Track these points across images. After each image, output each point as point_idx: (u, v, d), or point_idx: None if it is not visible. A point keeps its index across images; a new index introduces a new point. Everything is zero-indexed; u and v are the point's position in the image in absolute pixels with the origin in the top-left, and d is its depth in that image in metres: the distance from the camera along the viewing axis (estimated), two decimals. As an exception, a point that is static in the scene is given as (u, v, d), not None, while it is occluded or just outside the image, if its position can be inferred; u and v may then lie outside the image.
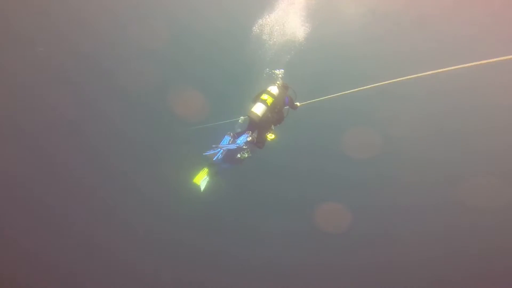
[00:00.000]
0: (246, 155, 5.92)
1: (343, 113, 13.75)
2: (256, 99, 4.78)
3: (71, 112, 13.10)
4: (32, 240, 10.10)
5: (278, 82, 4.93)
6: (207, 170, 6.03)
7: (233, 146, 4.78)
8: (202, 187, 5.93)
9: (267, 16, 9.14)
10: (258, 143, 4.91)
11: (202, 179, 5.88)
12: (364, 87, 4.37)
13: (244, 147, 4.89)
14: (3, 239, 10.22)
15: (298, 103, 5.31)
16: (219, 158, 4.91)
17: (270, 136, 4.87)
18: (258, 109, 4.59)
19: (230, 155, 6.17)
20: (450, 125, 15.83)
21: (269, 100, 4.60)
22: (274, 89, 4.76)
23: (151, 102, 14.28)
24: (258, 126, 4.77)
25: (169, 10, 13.07)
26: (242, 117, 6.38)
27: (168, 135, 12.92)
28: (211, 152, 5.00)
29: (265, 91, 4.73)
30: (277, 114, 4.77)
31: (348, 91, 4.64)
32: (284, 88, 4.93)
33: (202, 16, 13.21)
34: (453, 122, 15.71)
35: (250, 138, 4.75)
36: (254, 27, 9.38)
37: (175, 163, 10.58)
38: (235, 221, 12.90)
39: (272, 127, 4.92)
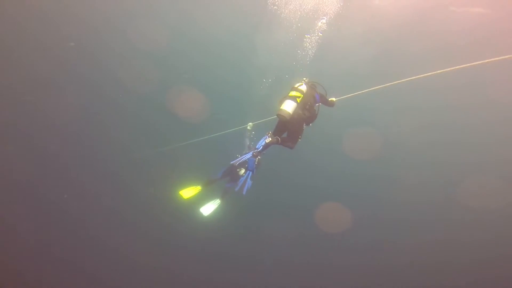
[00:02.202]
0: (243, 171, 5.66)
1: (342, 114, 13.74)
2: (283, 97, 4.32)
3: (68, 113, 12.99)
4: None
5: (304, 79, 4.52)
6: (200, 188, 5.83)
7: (248, 156, 4.28)
8: (207, 213, 5.76)
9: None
10: (290, 143, 4.39)
11: (190, 194, 5.69)
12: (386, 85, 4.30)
13: (259, 151, 4.28)
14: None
15: (334, 99, 4.71)
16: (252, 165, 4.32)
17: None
18: (288, 106, 4.10)
19: (230, 171, 5.91)
20: (450, 126, 15.89)
21: (299, 96, 4.19)
22: (302, 86, 4.34)
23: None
24: (288, 125, 4.28)
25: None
26: (250, 123, 5.89)
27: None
28: (243, 158, 4.37)
29: (292, 87, 4.34)
30: (308, 112, 4.29)
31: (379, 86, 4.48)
32: (312, 85, 4.50)
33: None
34: (454, 123, 15.75)
35: (269, 139, 4.22)
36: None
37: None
38: (237, 225, 12.83)
39: (304, 126, 4.40)
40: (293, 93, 4.22)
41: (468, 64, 3.61)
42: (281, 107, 4.13)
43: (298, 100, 4.17)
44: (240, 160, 4.40)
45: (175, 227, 10.73)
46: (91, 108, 13.75)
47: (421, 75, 4.05)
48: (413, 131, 15.96)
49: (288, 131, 4.40)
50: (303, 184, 15.59)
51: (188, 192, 5.72)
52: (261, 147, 4.26)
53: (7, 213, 10.63)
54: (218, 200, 5.99)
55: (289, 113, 4.08)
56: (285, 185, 15.18)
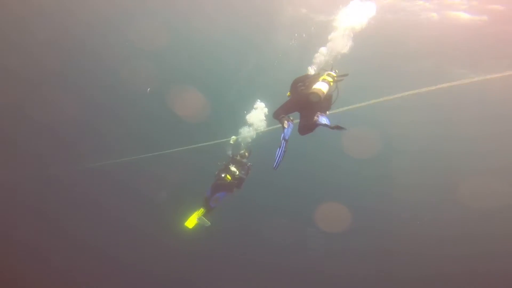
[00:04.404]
0: (237, 171, 5.48)
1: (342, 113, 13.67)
2: (310, 80, 4.25)
3: (68, 112, 13.00)
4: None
5: (336, 70, 4.40)
6: (203, 210, 5.72)
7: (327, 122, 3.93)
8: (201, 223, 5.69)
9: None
10: (305, 129, 4.19)
11: (196, 221, 5.60)
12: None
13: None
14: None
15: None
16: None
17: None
18: (324, 87, 3.96)
19: (217, 185, 5.61)
20: (450, 126, 15.90)
21: (331, 82, 4.06)
22: (333, 73, 4.24)
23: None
24: (309, 107, 4.10)
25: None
26: (234, 137, 5.87)
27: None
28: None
29: (326, 73, 4.21)
30: (325, 102, 4.19)
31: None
32: (337, 79, 4.30)
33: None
34: (454, 123, 15.74)
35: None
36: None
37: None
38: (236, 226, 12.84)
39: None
40: (329, 78, 4.10)
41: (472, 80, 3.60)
42: (316, 86, 3.99)
43: (331, 85, 4.08)
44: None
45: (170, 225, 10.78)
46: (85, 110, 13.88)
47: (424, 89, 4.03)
48: (413, 131, 15.97)
49: (307, 113, 4.20)
50: (303, 187, 15.66)
51: (192, 221, 5.64)
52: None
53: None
54: (208, 222, 5.86)
55: (324, 93, 3.96)
56: (285, 187, 15.17)
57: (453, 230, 14.59)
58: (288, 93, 4.60)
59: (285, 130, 4.07)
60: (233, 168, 5.51)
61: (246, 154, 5.81)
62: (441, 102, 13.05)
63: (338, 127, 3.86)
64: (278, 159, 4.00)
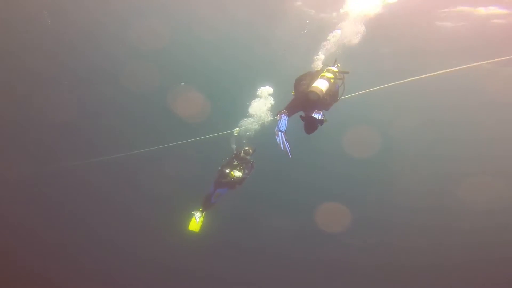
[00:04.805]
0: (241, 173, 5.44)
1: (342, 112, 13.67)
2: (311, 77, 4.15)
3: (68, 112, 12.92)
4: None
5: (338, 64, 4.35)
6: (201, 209, 5.64)
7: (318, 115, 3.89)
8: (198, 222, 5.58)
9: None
10: (309, 127, 4.06)
11: (197, 221, 5.52)
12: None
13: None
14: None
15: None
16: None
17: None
18: (322, 84, 3.89)
19: (220, 182, 5.53)
20: (450, 125, 15.91)
21: (332, 78, 3.99)
22: (334, 69, 4.16)
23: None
24: (309, 106, 4.04)
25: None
26: (237, 129, 5.77)
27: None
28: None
29: (326, 69, 4.15)
30: (330, 98, 4.12)
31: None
32: (340, 74, 4.23)
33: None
34: (453, 123, 15.76)
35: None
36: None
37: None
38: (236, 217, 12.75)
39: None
40: (328, 75, 4.02)
41: (467, 66, 3.54)
42: (315, 85, 3.93)
43: (332, 81, 4.00)
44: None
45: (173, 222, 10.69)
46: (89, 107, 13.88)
47: (422, 76, 3.94)
48: (412, 129, 15.97)
49: (311, 111, 4.08)
50: (304, 182, 15.57)
51: (195, 224, 5.53)
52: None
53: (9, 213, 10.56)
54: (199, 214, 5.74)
55: (323, 91, 3.87)
56: (286, 182, 15.11)
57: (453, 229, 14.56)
58: (293, 92, 4.51)
59: (278, 122, 4.08)
60: (237, 173, 5.41)
61: (250, 151, 5.66)
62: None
63: (321, 121, 3.84)
64: (287, 149, 3.93)
